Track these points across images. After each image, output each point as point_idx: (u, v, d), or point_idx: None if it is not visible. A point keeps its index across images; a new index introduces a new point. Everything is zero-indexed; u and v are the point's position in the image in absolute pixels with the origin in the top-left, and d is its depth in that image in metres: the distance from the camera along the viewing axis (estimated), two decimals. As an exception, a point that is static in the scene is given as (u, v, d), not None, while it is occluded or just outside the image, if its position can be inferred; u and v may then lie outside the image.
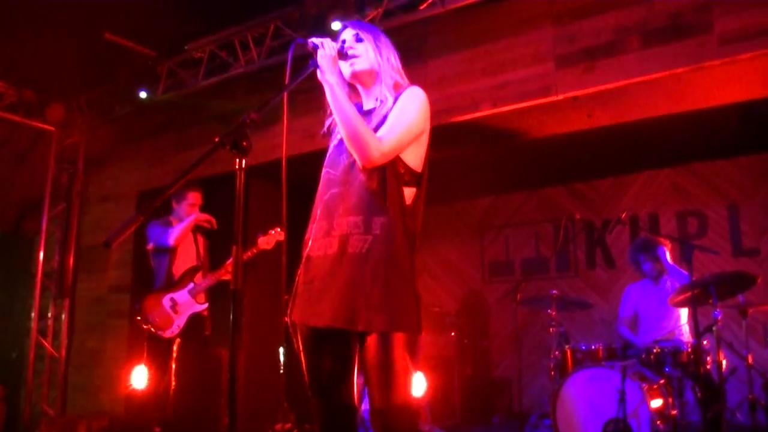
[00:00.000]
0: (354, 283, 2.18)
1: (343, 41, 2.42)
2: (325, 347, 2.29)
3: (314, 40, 2.30)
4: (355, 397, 2.34)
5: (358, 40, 2.41)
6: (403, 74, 2.46)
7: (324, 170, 2.41)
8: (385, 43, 2.45)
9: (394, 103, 2.33)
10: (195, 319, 5.02)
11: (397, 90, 2.39)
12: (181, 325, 4.93)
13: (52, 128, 7.48)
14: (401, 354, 2.17)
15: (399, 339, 2.17)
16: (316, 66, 2.26)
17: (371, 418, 2.22)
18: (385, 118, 2.31)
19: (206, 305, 5.07)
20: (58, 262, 7.55)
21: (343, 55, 2.36)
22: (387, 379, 2.16)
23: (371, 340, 2.18)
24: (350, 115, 2.21)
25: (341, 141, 2.36)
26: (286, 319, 2.38)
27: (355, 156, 2.23)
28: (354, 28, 2.45)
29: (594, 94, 4.75)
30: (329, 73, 2.25)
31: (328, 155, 2.44)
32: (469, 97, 5.16)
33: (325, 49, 2.27)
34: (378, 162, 2.22)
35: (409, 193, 2.30)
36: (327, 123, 2.52)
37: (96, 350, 7.25)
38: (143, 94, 6.55)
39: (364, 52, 2.39)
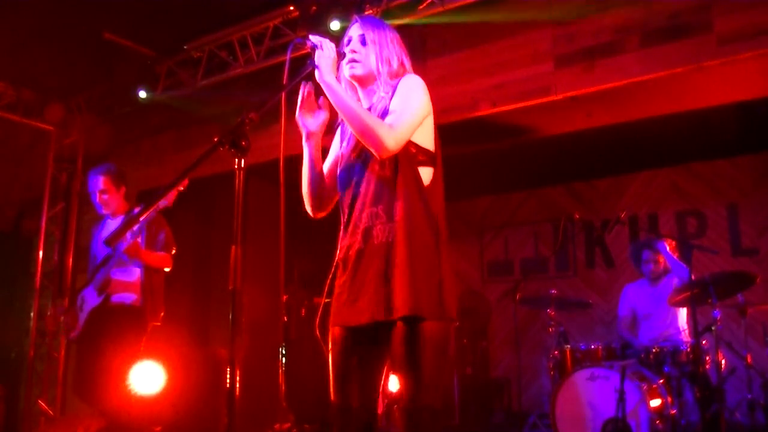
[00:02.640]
0: (383, 273, 2.18)
1: (349, 40, 2.41)
2: (347, 349, 2.26)
3: (313, 39, 2.28)
4: (379, 402, 2.32)
5: (363, 43, 2.38)
6: (409, 69, 2.43)
7: (339, 174, 2.41)
8: (391, 43, 2.40)
9: (393, 92, 2.31)
10: (105, 313, 4.33)
11: (394, 81, 2.37)
12: (82, 324, 4.40)
13: (51, 128, 7.48)
14: (426, 345, 2.12)
15: (425, 328, 2.12)
16: (315, 66, 2.25)
17: (399, 415, 2.19)
18: (385, 111, 2.29)
19: (104, 296, 4.33)
20: (57, 261, 7.55)
21: (342, 55, 2.35)
22: (414, 375, 2.13)
23: (397, 330, 2.15)
24: (356, 110, 2.20)
25: (350, 141, 2.37)
26: (317, 331, 2.34)
27: (371, 149, 2.20)
28: (362, 27, 2.41)
29: (593, 94, 4.75)
30: (327, 73, 2.23)
31: (340, 160, 2.42)
32: (469, 96, 5.16)
33: (323, 49, 2.25)
34: (394, 150, 2.19)
35: (426, 173, 2.28)
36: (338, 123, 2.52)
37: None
38: (142, 94, 6.54)
39: (364, 58, 2.36)
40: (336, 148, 2.53)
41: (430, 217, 2.22)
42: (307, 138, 2.39)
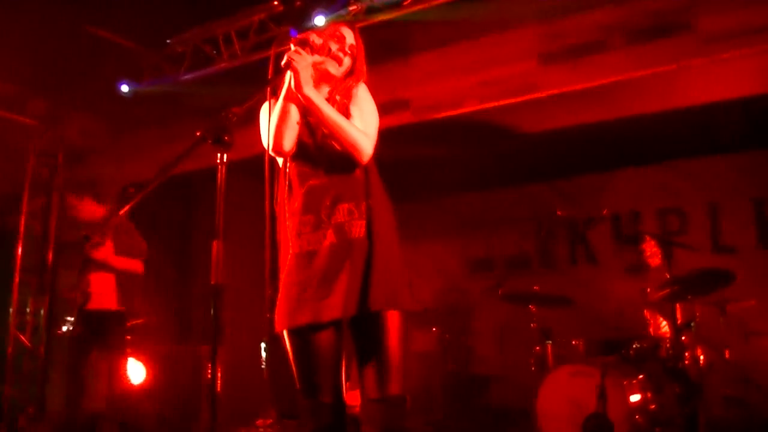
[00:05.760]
0: (359, 267, 2.23)
1: (340, 37, 2.43)
2: (319, 344, 2.28)
3: (291, 53, 2.24)
4: (344, 393, 2.35)
5: (350, 53, 2.43)
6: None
7: (291, 163, 2.39)
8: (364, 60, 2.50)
9: (347, 95, 2.39)
10: (90, 317, 4.46)
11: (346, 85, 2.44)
12: (75, 324, 4.49)
13: (33, 122, 7.40)
14: (397, 334, 2.25)
15: (397, 318, 2.26)
16: (293, 74, 2.24)
17: (364, 407, 2.23)
18: (343, 110, 2.35)
19: (86, 299, 4.46)
20: (37, 257, 7.47)
21: (330, 53, 2.36)
22: (384, 365, 2.22)
23: (374, 323, 2.24)
24: (339, 121, 2.25)
25: (309, 133, 2.37)
26: (278, 328, 2.36)
27: (353, 155, 2.27)
28: (354, 37, 2.47)
29: (578, 92, 4.77)
30: (306, 85, 2.24)
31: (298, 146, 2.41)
32: (454, 93, 5.17)
33: (301, 59, 2.23)
34: (370, 155, 2.31)
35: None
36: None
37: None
38: (125, 88, 6.50)
39: (343, 69, 2.43)
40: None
41: (393, 216, 2.38)
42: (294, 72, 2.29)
